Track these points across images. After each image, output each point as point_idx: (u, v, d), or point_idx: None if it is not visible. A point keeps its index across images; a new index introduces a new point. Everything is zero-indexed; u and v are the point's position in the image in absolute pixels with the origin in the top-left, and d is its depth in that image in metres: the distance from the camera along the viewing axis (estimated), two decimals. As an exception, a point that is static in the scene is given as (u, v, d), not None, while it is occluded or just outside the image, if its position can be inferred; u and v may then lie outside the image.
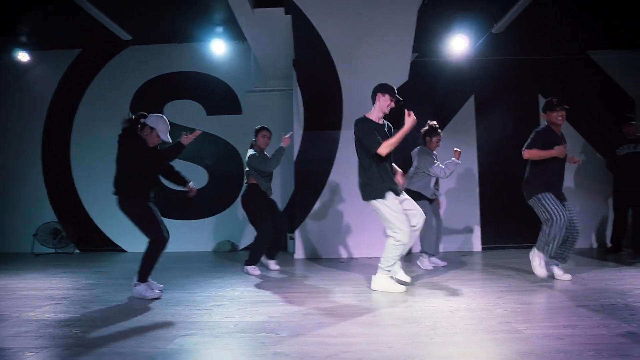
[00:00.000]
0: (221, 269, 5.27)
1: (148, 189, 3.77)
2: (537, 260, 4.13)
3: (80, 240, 7.33)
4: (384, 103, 3.77)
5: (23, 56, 7.11)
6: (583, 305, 3.14)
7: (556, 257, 4.11)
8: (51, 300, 3.67)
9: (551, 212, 4.00)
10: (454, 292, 3.71)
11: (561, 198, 4.11)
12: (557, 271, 4.11)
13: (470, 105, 7.02)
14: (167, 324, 2.88)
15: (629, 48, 7.00)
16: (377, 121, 3.82)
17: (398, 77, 5.62)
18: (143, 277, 3.69)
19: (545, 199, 4.05)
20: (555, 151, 3.96)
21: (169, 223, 3.91)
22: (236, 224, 7.24)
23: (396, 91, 3.79)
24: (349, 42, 5.23)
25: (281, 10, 5.11)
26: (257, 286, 4.19)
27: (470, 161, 6.81)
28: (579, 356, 2.13)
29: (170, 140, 3.82)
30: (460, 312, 3.03)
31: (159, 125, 3.77)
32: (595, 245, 6.79)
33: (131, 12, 6.12)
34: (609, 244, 6.21)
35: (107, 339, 2.57)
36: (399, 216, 3.69)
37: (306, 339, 2.52)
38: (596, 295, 3.43)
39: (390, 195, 3.74)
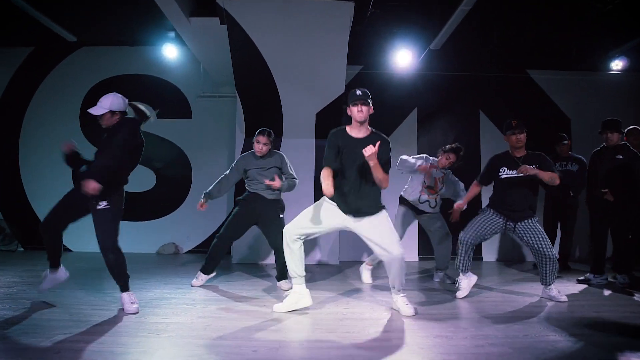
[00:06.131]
0: (155, 271, 5.31)
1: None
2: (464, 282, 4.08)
3: (25, 238, 7.31)
4: (351, 114, 3.43)
5: (-28, 52, 7.12)
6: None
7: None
8: (-40, 297, 3.74)
9: (468, 225, 4.12)
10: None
11: (513, 217, 3.97)
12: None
13: (413, 117, 7.25)
14: (48, 322, 2.99)
15: (565, 69, 7.34)
16: (351, 134, 3.48)
17: (334, 88, 5.81)
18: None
19: (479, 214, 4.17)
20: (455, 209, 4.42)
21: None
22: (181, 227, 7.31)
23: (356, 93, 3.37)
24: (284, 52, 5.38)
25: (216, 20, 5.25)
26: (181, 290, 4.25)
27: (409, 172, 6.97)
28: None
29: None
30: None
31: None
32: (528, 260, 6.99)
33: (76, 14, 6.17)
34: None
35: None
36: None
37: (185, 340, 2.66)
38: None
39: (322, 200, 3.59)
